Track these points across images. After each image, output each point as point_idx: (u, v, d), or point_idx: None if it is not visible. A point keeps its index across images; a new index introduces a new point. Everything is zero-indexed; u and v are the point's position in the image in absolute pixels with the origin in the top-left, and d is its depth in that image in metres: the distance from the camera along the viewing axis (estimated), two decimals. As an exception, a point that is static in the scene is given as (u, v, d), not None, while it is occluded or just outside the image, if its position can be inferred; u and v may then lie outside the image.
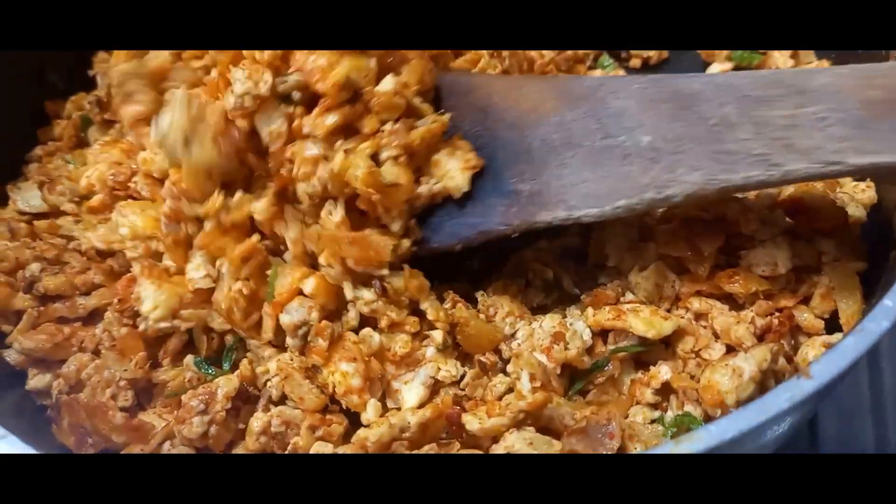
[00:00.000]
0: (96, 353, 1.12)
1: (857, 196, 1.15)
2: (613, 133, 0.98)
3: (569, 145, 1.01)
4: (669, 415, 0.99)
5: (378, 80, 1.03)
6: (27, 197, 1.29)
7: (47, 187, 1.27)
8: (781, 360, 0.98)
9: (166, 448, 1.03)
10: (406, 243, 1.04)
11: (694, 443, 0.70)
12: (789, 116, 0.90)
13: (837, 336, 0.99)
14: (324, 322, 1.02)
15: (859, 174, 1.00)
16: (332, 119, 0.99)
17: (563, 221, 0.99)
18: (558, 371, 0.99)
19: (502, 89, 1.11)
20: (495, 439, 0.96)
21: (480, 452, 0.95)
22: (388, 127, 1.02)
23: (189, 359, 1.09)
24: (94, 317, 1.16)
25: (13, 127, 1.39)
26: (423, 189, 1.05)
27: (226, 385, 1.03)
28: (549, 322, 1.04)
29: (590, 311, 1.06)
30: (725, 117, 0.92)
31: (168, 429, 1.04)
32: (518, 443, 0.91)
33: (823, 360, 0.74)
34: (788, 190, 1.15)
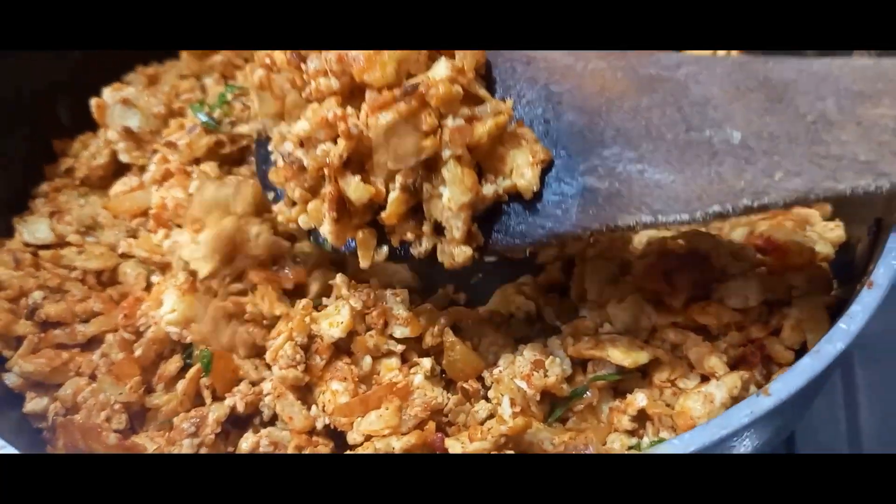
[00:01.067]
0: (93, 377, 1.15)
1: (825, 235, 1.20)
2: (698, 126, 0.87)
3: (648, 138, 0.89)
4: (646, 441, 1.02)
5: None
6: (33, 229, 1.34)
7: (56, 217, 1.33)
8: (752, 388, 1.02)
9: (157, 470, 1.06)
10: (467, 251, 0.97)
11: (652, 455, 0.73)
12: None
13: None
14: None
15: None
16: (386, 118, 0.90)
17: (647, 226, 0.89)
18: (538, 397, 1.03)
19: (563, 66, 0.97)
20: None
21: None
22: (449, 122, 0.92)
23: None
24: (91, 343, 1.20)
25: (21, 163, 1.46)
26: (489, 190, 0.95)
27: (217, 410, 1.07)
28: (531, 351, 1.08)
29: (570, 340, 1.10)
30: (824, 114, 0.82)
31: (159, 451, 1.07)
32: (497, 465, 0.94)
33: (781, 380, 0.78)
34: (760, 227, 1.20)
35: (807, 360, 0.79)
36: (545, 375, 1.05)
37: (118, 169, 1.41)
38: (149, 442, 1.09)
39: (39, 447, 1.09)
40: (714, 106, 0.88)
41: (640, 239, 1.19)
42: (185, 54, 1.62)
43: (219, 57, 1.58)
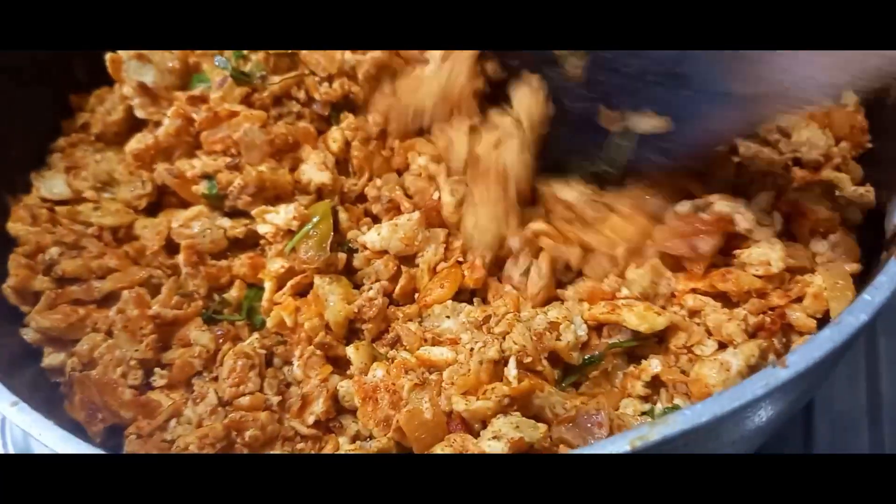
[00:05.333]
0: (109, 333, 1.16)
1: (855, 200, 1.16)
2: None
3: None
4: (659, 407, 1.01)
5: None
6: (50, 185, 1.34)
7: (73, 173, 1.33)
8: (771, 357, 1.00)
9: (172, 425, 1.07)
10: None
11: (669, 426, 0.72)
12: None
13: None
14: None
15: None
16: None
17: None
18: (544, 356, 1.01)
19: None
20: (483, 423, 0.99)
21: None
22: None
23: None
24: (108, 300, 1.20)
25: (39, 118, 1.45)
26: None
27: None
28: (555, 312, 1.06)
29: (585, 305, 1.08)
30: None
31: (175, 406, 1.09)
32: (505, 427, 0.94)
33: (799, 351, 0.75)
34: (788, 193, 1.17)
35: (827, 331, 0.76)
36: (557, 338, 1.03)
37: (134, 124, 1.40)
38: (164, 398, 1.10)
39: (55, 404, 1.10)
40: None
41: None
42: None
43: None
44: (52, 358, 1.15)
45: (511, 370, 0.98)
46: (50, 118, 1.47)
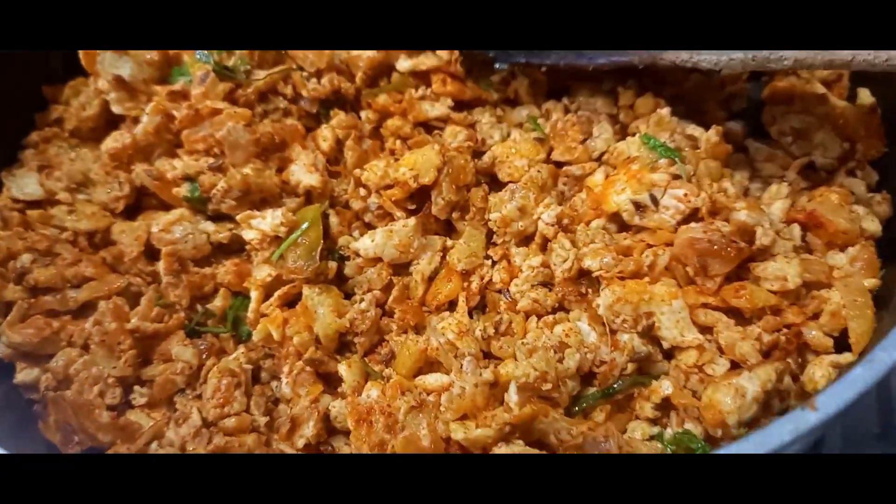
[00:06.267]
0: (85, 348, 1.09)
1: (873, 207, 1.11)
2: None
3: None
4: (669, 431, 0.96)
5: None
6: (21, 184, 1.26)
7: (46, 172, 1.25)
8: (787, 380, 0.95)
9: (153, 448, 1.01)
10: None
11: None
12: None
13: (846, 356, 0.95)
14: None
15: None
16: None
17: (683, 63, 1.07)
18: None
19: None
20: (484, 451, 0.94)
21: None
22: None
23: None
24: (84, 310, 1.13)
25: (11, 112, 1.36)
26: None
27: None
28: (561, 328, 1.01)
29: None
30: None
31: (156, 428, 1.02)
32: (509, 458, 0.89)
33: (829, 392, 0.70)
34: (802, 200, 1.11)
35: (858, 369, 0.71)
36: (560, 361, 0.98)
37: (110, 120, 1.32)
38: (144, 418, 1.04)
39: (30, 423, 1.04)
40: None
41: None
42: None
43: None
44: (25, 374, 1.09)
45: (512, 396, 0.93)
46: (21, 111, 1.39)
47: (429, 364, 1.05)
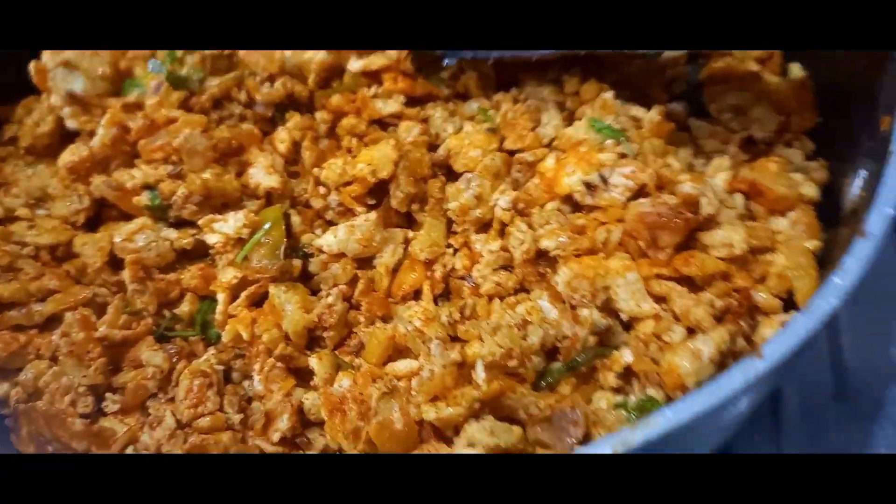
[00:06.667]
0: (54, 359, 1.10)
1: (810, 174, 1.16)
2: None
3: None
4: (632, 399, 0.99)
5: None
6: (-23, 204, 1.26)
7: (3, 189, 1.25)
8: (740, 341, 1.00)
9: (129, 453, 1.02)
10: None
11: (652, 428, 0.70)
12: None
13: (794, 314, 1.00)
14: None
15: None
16: None
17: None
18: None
19: None
20: (456, 430, 0.97)
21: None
22: None
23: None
24: (50, 323, 1.14)
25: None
26: None
27: None
28: (523, 307, 1.04)
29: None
30: None
31: (130, 433, 1.03)
32: (479, 433, 0.92)
33: (775, 340, 0.75)
34: (744, 172, 1.16)
35: (800, 317, 0.76)
36: (524, 338, 1.01)
37: (65, 135, 1.32)
38: (117, 424, 1.04)
39: (3, 435, 1.04)
40: None
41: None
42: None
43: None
44: (-7, 389, 1.09)
45: (480, 374, 0.96)
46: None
47: (398, 351, 1.07)
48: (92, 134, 1.28)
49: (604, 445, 0.71)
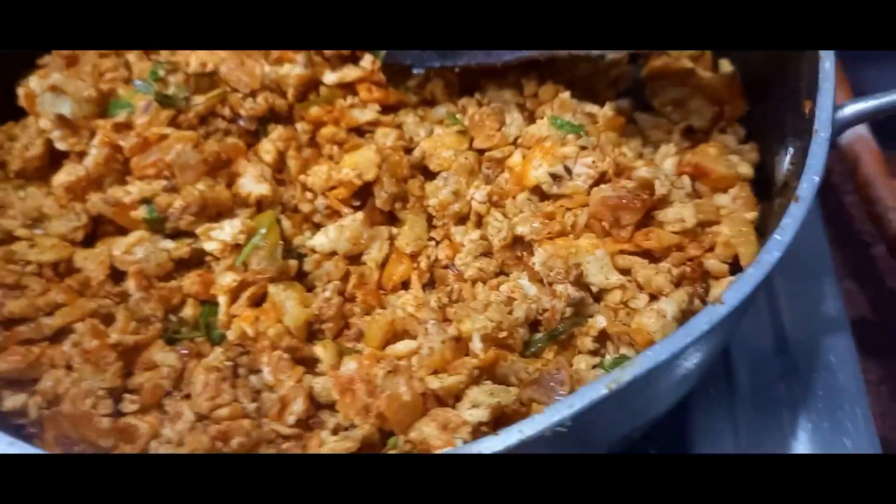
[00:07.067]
0: (68, 368, 1.16)
1: (744, 156, 1.33)
2: None
3: None
4: (608, 358, 1.12)
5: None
6: (-27, 227, 1.30)
7: (-1, 213, 1.30)
8: (696, 302, 1.14)
9: (153, 447, 1.09)
10: None
11: (637, 366, 0.83)
12: None
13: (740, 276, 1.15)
14: None
15: None
16: None
17: (578, 54, 1.33)
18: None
19: None
20: (458, 398, 1.08)
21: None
22: None
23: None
24: (59, 335, 1.20)
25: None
26: None
27: None
28: (506, 286, 1.16)
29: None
30: None
31: (152, 428, 1.10)
32: (481, 395, 1.03)
33: (731, 289, 0.89)
34: (688, 157, 1.32)
35: (751, 269, 0.90)
36: (510, 313, 1.13)
37: (53, 156, 1.38)
38: (139, 422, 1.11)
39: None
40: None
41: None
42: (101, 33, 1.58)
43: (138, 32, 1.55)
44: (12, 401, 1.13)
45: (476, 344, 1.07)
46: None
47: (395, 335, 1.18)
48: (81, 154, 1.34)
49: (599, 386, 0.83)
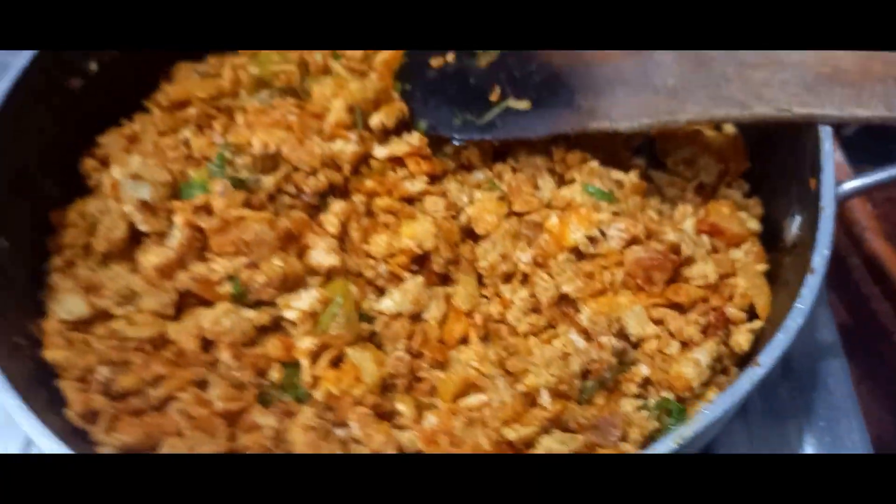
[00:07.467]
0: (178, 435, 1.31)
1: (750, 211, 1.52)
2: (651, 76, 1.42)
3: (621, 81, 1.45)
4: (651, 401, 1.31)
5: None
6: (68, 306, 1.43)
7: (92, 293, 1.43)
8: (722, 347, 1.34)
9: None
10: None
11: (696, 424, 1.02)
12: (765, 78, 1.32)
13: (756, 322, 1.35)
14: None
15: (800, 120, 1.33)
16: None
17: (606, 129, 1.45)
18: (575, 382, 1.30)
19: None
20: (527, 444, 1.26)
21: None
22: None
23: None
24: (164, 405, 1.35)
25: (18, 238, 1.53)
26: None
27: None
28: (559, 341, 1.34)
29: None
30: (724, 74, 1.36)
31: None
32: (553, 444, 1.21)
33: (766, 352, 1.08)
34: (701, 214, 1.51)
35: (780, 335, 1.09)
36: (566, 366, 1.32)
37: (132, 236, 1.52)
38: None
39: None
40: (665, 66, 1.42)
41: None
42: (155, 109, 1.72)
43: (192, 110, 1.69)
44: (132, 467, 1.29)
45: (545, 398, 1.26)
46: (28, 238, 1.56)
47: (465, 389, 1.35)
48: (160, 234, 1.49)
49: (668, 442, 1.02)
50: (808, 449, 1.51)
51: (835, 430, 1.50)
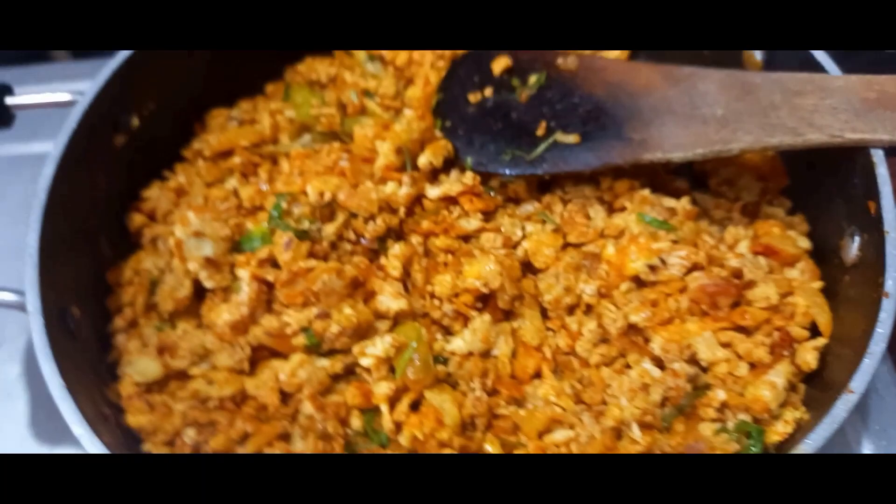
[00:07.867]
0: (270, 490, 1.33)
1: (797, 228, 1.58)
2: (699, 106, 1.48)
3: (668, 111, 1.50)
4: (730, 424, 1.36)
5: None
6: (141, 369, 1.45)
7: (168, 354, 1.44)
8: (791, 367, 1.39)
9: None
10: None
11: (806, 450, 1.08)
12: (814, 104, 1.38)
13: (820, 339, 1.40)
14: None
15: (852, 145, 1.38)
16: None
17: (659, 160, 1.49)
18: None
19: (624, 70, 1.60)
20: (615, 475, 1.30)
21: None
22: None
23: None
24: (250, 460, 1.36)
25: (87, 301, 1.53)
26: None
27: None
28: (635, 371, 1.38)
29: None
30: (772, 101, 1.41)
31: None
32: (648, 474, 1.25)
33: (857, 378, 1.14)
34: (751, 233, 1.56)
35: (867, 360, 1.15)
36: (647, 396, 1.36)
37: (196, 292, 1.53)
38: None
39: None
40: (710, 95, 1.48)
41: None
42: (198, 160, 1.73)
43: (237, 159, 1.70)
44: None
45: (636, 432, 1.30)
46: (92, 300, 1.56)
47: (549, 425, 1.38)
48: (226, 290, 1.50)
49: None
50: (867, 451, 1.57)
51: (891, 435, 1.56)
